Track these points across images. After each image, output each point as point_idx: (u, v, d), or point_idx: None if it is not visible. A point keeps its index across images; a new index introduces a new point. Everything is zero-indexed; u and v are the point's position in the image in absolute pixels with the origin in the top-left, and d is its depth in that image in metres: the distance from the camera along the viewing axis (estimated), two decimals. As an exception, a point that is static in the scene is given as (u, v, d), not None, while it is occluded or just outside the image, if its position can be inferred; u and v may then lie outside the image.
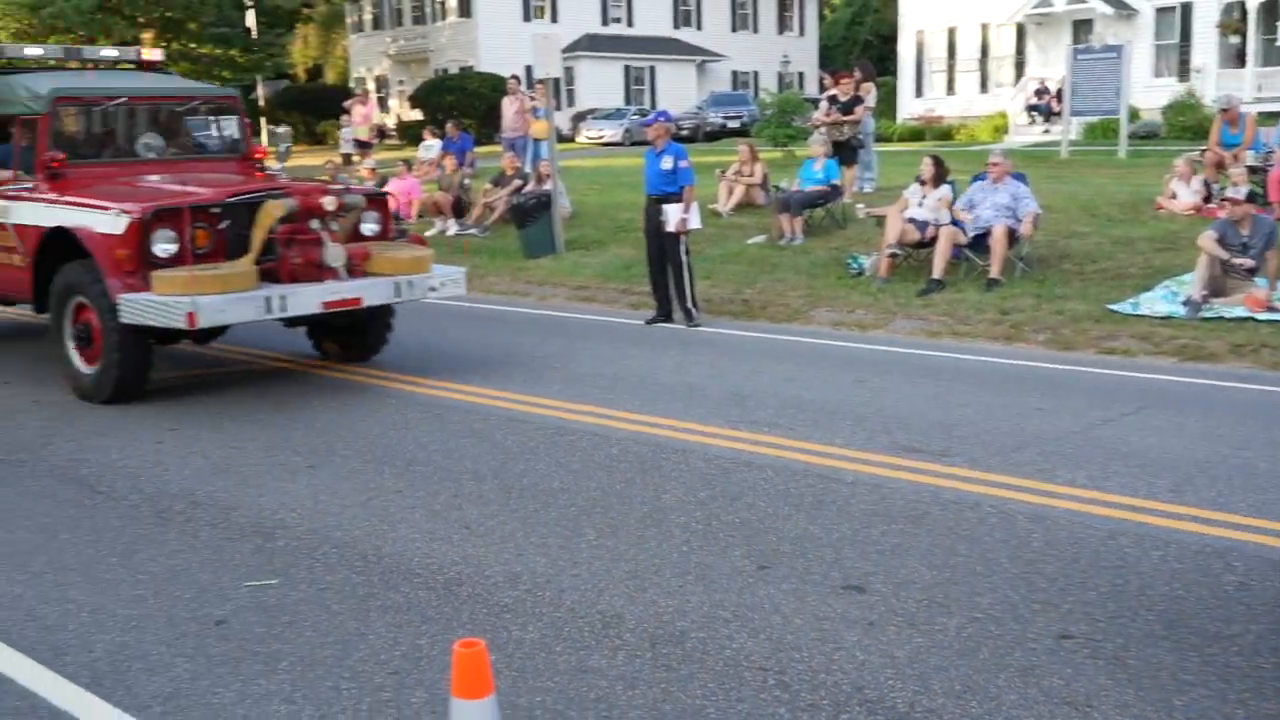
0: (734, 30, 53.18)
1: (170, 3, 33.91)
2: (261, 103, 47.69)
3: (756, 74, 52.01)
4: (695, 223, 11.23)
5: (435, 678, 4.20)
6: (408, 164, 19.87)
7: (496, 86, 33.83)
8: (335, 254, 8.34)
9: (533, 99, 20.11)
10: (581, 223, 17.04)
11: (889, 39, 47.50)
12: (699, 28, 52.04)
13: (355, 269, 8.49)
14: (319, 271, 8.30)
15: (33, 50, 10.54)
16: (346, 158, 24.95)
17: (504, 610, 4.80)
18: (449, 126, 21.46)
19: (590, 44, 47.66)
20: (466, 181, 19.05)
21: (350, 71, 53.87)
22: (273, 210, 8.17)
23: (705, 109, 42.61)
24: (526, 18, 46.34)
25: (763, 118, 27.71)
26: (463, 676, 3.11)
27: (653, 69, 49.61)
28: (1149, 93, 30.53)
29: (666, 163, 10.98)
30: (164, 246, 8.07)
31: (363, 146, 24.48)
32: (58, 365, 8.86)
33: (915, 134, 33.85)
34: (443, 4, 47.91)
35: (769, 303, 12.00)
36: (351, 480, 6.56)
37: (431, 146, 21.39)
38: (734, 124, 39.90)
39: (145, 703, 4.11)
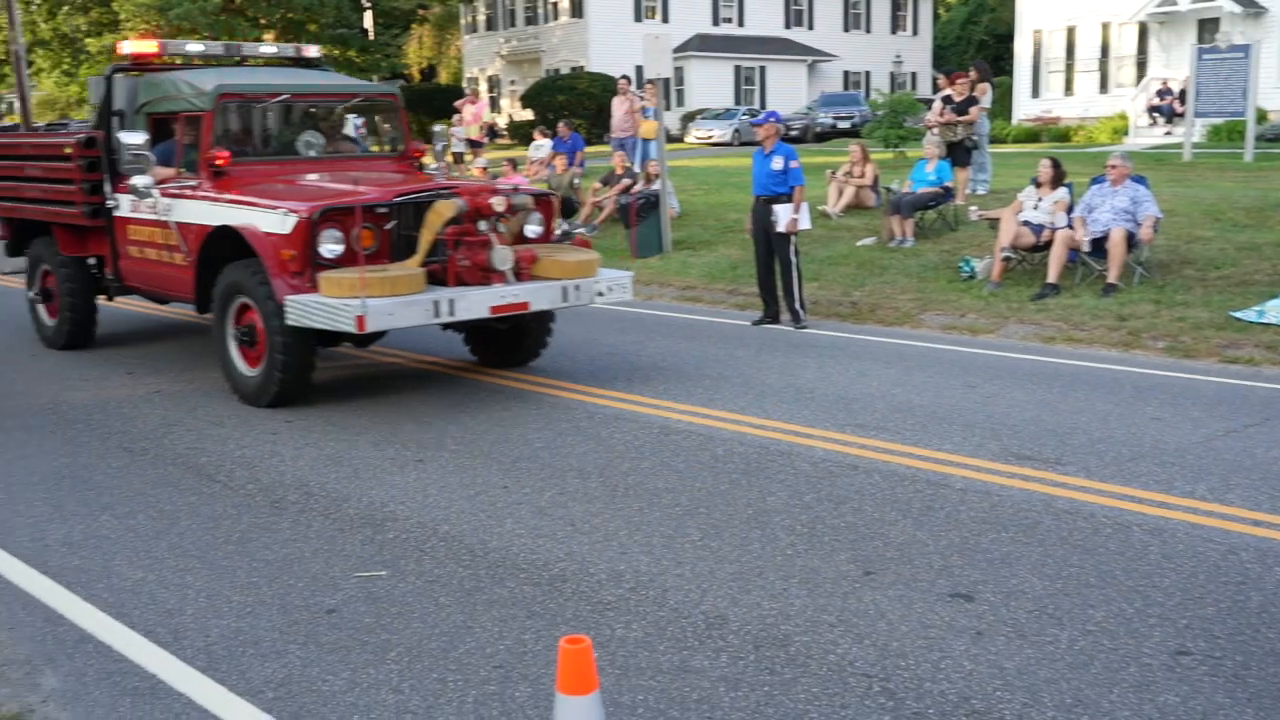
0: (846, 30, 52.72)
1: (291, 4, 34.69)
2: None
3: (868, 74, 51.51)
4: (805, 223, 11.18)
5: (539, 673, 4.24)
6: (513, 163, 20.05)
7: (607, 86, 34.03)
8: (504, 256, 8.01)
9: (642, 99, 20.17)
10: (689, 222, 17.04)
11: (1005, 38, 46.70)
12: (810, 27, 51.70)
13: (522, 272, 8.20)
14: (486, 274, 8.02)
15: (194, 46, 10.51)
16: (458, 156, 25.29)
17: (607, 608, 4.82)
18: (560, 126, 21.60)
19: (701, 44, 47.64)
20: (576, 181, 19.17)
21: (463, 71, 54.58)
22: (442, 211, 7.89)
23: (815, 109, 42.30)
24: (638, 18, 46.49)
25: (874, 118, 27.42)
26: (568, 672, 3.13)
27: (763, 69, 49.42)
28: (1278, 94, 29.52)
29: (777, 163, 10.93)
30: (330, 247, 7.87)
31: (474, 145, 24.78)
32: (215, 365, 9.09)
33: (1031, 135, 33.18)
34: (555, 5, 48.29)
35: (878, 305, 11.87)
36: (459, 475, 6.65)
37: (542, 146, 21.55)
38: (844, 125, 39.57)
39: (258, 687, 4.21)
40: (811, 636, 4.51)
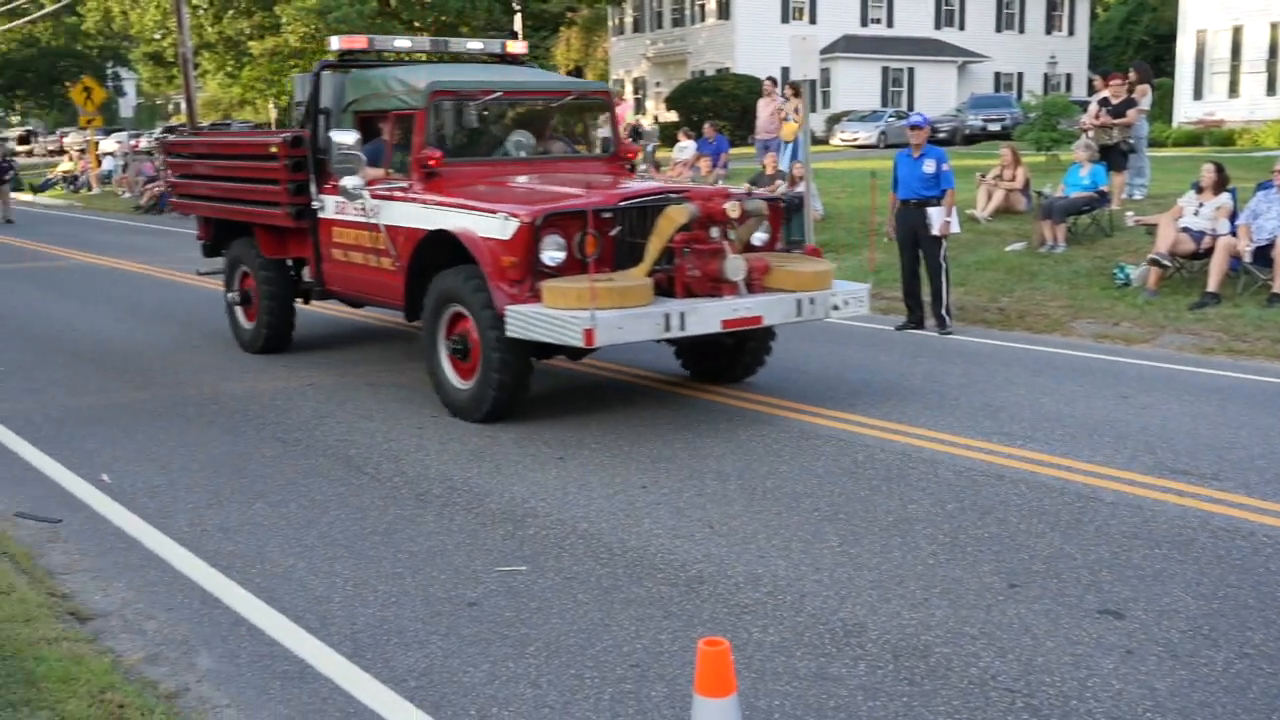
0: (998, 30, 51.62)
1: (444, 7, 35.42)
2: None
3: (1021, 75, 50.34)
4: (956, 226, 11.02)
5: (675, 673, 4.25)
6: (656, 165, 20.13)
7: (752, 88, 33.92)
8: (736, 266, 7.42)
9: (785, 100, 20.06)
10: (832, 225, 16.88)
11: (1165, 39, 45.13)
12: (961, 28, 50.75)
13: (754, 283, 7.61)
14: (716, 285, 7.43)
15: (402, 43, 10.19)
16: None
17: (745, 611, 4.80)
18: (705, 128, 21.62)
19: (848, 45, 47.16)
20: (720, 183, 19.17)
21: (610, 73, 55.02)
22: (675, 216, 7.31)
23: (965, 111, 41.51)
24: (785, 19, 46.25)
25: (1026, 121, 26.77)
26: (706, 674, 3.13)
27: (911, 70, 48.70)
28: None
29: (929, 166, 10.76)
30: (553, 254, 7.41)
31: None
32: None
33: (1193, 139, 32.00)
34: (702, 6, 48.34)
35: (1026, 312, 11.59)
36: (599, 473, 6.70)
37: (686, 148, 21.60)
38: (994, 127, 38.73)
39: (401, 676, 4.31)
40: (953, 648, 4.43)
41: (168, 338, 11.37)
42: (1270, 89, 33.83)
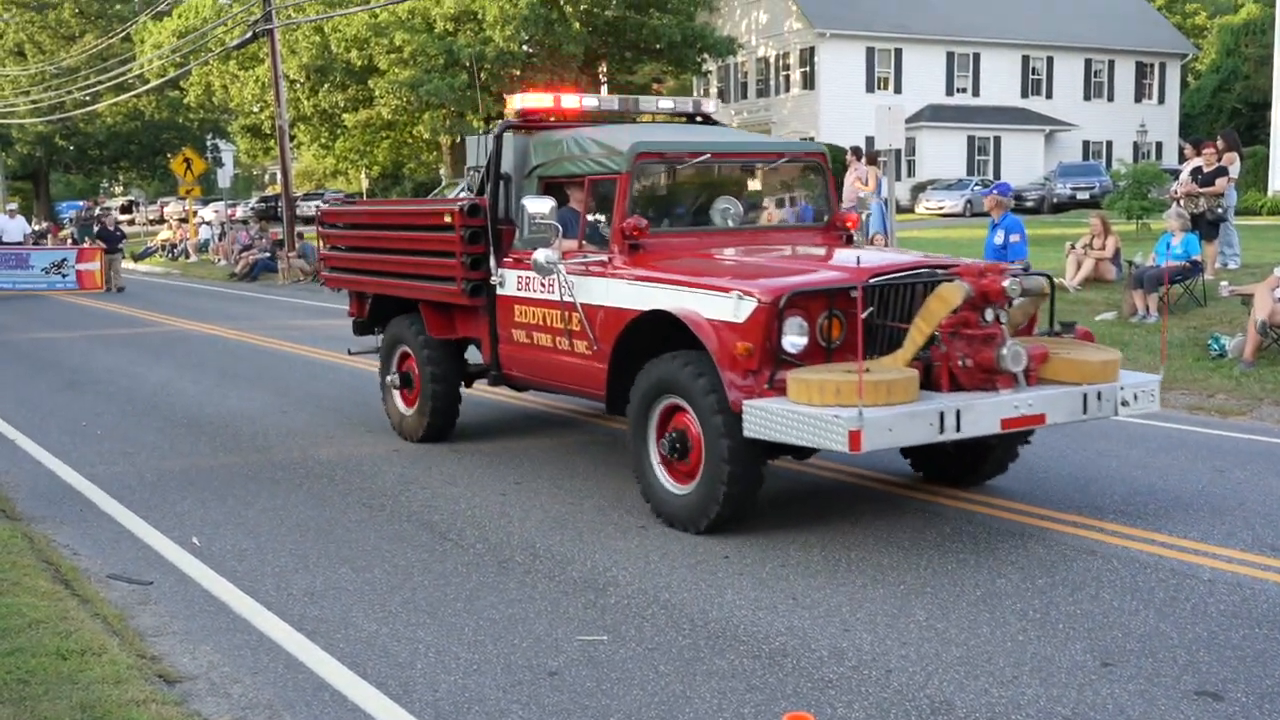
0: (1087, 99, 51.28)
1: (532, 80, 36.12)
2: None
3: (1110, 143, 49.90)
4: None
5: (757, 748, 4.18)
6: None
7: (836, 157, 33.99)
8: (1017, 354, 6.33)
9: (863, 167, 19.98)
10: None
11: (1259, 107, 44.48)
12: (1049, 96, 50.51)
13: (1030, 374, 6.54)
14: (989, 377, 6.36)
15: (590, 101, 9.12)
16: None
17: (829, 685, 4.72)
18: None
19: (933, 114, 47.15)
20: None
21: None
22: (949, 297, 6.26)
23: (1053, 180, 41.18)
24: (870, 89, 46.43)
25: (1115, 189, 26.47)
26: (787, 751, 3.06)
27: (998, 139, 48.50)
28: None
29: (998, 237, 10.69)
30: (795, 340, 6.41)
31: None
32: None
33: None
34: (787, 77, 48.72)
35: (1118, 383, 11.36)
36: (680, 542, 6.66)
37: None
38: (1083, 195, 38.39)
39: (481, 744, 4.29)
40: (1043, 729, 4.30)
41: (258, 402, 11.58)
42: (1368, 157, 33.09)
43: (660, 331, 6.97)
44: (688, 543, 6.65)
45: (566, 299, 7.61)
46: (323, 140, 41.24)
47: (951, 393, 6.33)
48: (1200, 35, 61.53)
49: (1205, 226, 14.93)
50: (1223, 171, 15.22)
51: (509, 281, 8.32)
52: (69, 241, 35.89)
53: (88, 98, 47.92)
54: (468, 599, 5.85)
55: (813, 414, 5.94)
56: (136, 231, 52.26)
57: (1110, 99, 51.71)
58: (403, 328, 9.56)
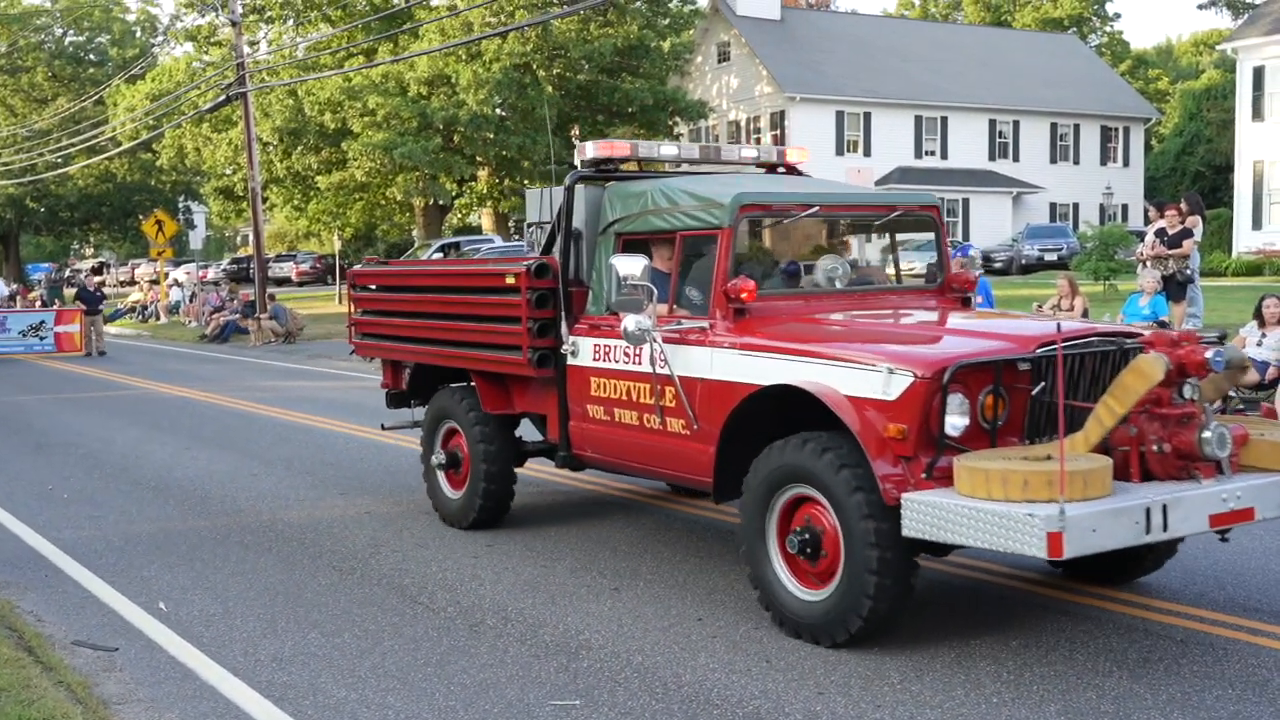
0: (1053, 162, 52.00)
1: (505, 144, 36.30)
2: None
3: (1076, 205, 50.53)
4: None
5: (732, 815, 4.13)
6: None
7: (808, 219, 34.22)
8: (1223, 438, 5.42)
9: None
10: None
11: (1222, 170, 45.24)
12: (1015, 159, 51.18)
13: (1232, 460, 5.56)
14: (1186, 465, 5.42)
15: (668, 149, 8.23)
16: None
17: (803, 750, 4.68)
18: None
19: (902, 176, 47.67)
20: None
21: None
22: (1151, 371, 5.33)
23: (1020, 241, 41.65)
24: (839, 151, 46.92)
25: (1082, 250, 26.80)
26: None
27: (966, 200, 49.03)
28: None
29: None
30: (958, 420, 5.48)
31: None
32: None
33: (1253, 269, 31.83)
34: (758, 139, 49.21)
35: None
36: (654, 605, 6.62)
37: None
38: (1051, 256, 38.79)
39: (452, 813, 4.22)
40: (1019, 793, 4.27)
41: (227, 465, 11.49)
42: (1329, 219, 33.67)
43: (774, 410, 6.19)
44: (660, 605, 6.61)
45: (661, 371, 6.67)
46: (295, 202, 41.24)
47: (1146, 483, 5.38)
48: (1163, 100, 62.62)
49: (1173, 287, 15.11)
50: (1188, 233, 15.44)
51: (583, 350, 7.40)
52: (38, 304, 35.71)
53: (59, 160, 47.92)
54: (438, 664, 5.78)
55: (998, 511, 4.98)
56: (107, 293, 52.04)
57: (1076, 162, 52.44)
58: (450, 401, 8.61)
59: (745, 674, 5.52)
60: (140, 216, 50.25)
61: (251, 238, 31.27)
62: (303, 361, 23.02)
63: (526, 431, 8.65)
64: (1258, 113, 36.25)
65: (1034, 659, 5.63)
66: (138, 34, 63.15)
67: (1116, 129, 53.42)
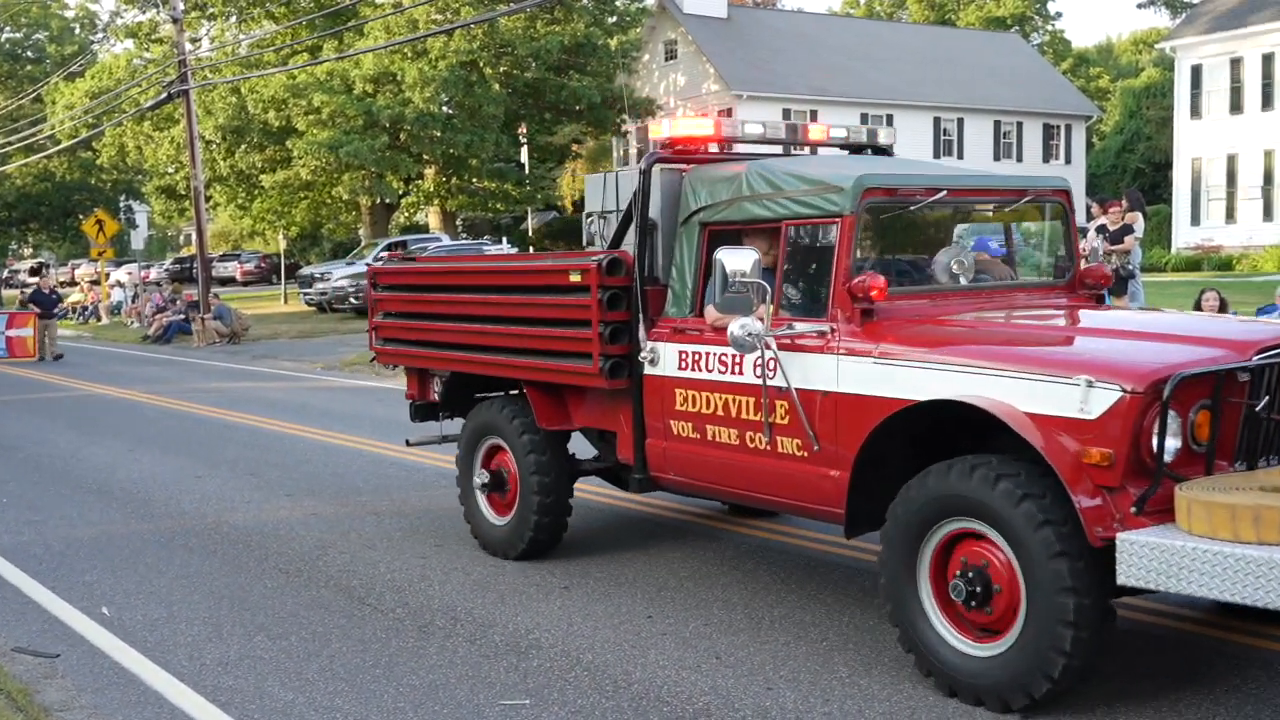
0: (997, 159, 52.52)
1: (452, 142, 36.12)
2: (531, 232, 50.10)
3: (1020, 202, 51.09)
4: None
5: (682, 811, 4.14)
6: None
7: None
8: None
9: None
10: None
11: (1162, 166, 45.93)
12: (960, 156, 51.66)
13: None
14: None
15: (753, 128, 7.26)
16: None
17: (753, 746, 4.70)
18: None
19: (849, 174, 47.95)
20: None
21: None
22: None
23: (966, 237, 42.08)
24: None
25: (1026, 246, 27.11)
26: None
27: (912, 198, 49.42)
28: None
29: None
30: (1172, 443, 4.67)
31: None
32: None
33: (1191, 264, 32.39)
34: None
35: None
36: (604, 603, 6.62)
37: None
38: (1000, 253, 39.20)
39: (401, 815, 4.20)
40: (966, 784, 4.31)
41: (171, 467, 11.35)
42: (1267, 214, 34.34)
43: (917, 428, 5.40)
44: (611, 603, 6.61)
45: (773, 383, 5.79)
46: (239, 201, 40.82)
47: None
48: (1104, 98, 63.42)
49: (1115, 283, 15.31)
50: (1129, 229, 15.66)
51: (666, 358, 6.49)
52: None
53: (-4, 158, 47.12)
54: (387, 665, 5.75)
55: (1260, 559, 4.14)
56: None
57: (1019, 159, 52.99)
58: (494, 415, 7.63)
59: (695, 670, 5.54)
60: (80, 216, 49.54)
61: (194, 237, 30.91)
62: (248, 362, 22.79)
63: (579, 446, 7.83)
64: (1196, 110, 36.87)
65: (980, 651, 5.68)
66: (77, 31, 62.28)
67: (1059, 126, 54.08)
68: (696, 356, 6.32)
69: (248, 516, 9.12)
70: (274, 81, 34.95)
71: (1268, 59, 34.81)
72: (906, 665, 5.50)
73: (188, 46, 31.85)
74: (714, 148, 7.13)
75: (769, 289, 5.67)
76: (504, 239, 43.15)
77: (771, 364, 5.77)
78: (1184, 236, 36.12)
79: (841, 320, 5.63)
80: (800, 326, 5.75)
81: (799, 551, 7.63)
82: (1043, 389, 4.85)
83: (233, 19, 41.64)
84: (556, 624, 6.29)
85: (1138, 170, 52.52)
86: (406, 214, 47.36)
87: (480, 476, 7.71)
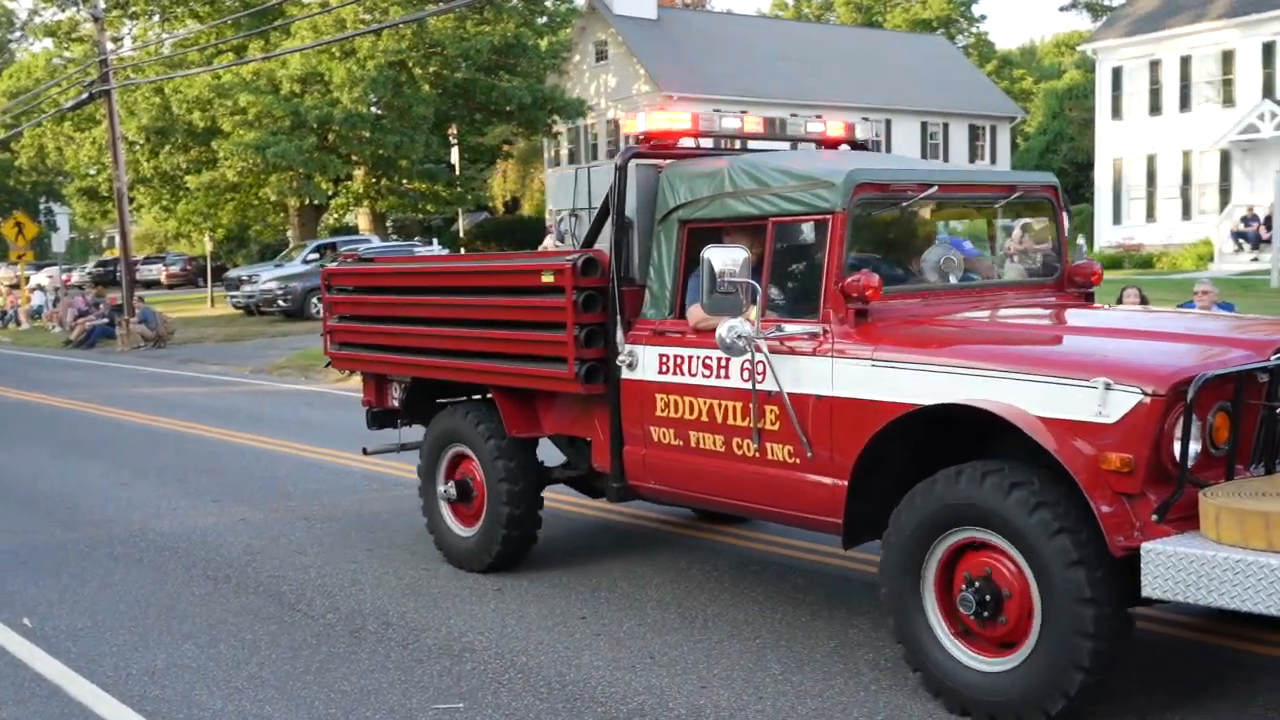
0: (923, 157, 53.21)
1: (382, 142, 35.82)
2: (462, 233, 49.86)
3: (947, 202, 51.76)
4: None
5: (617, 812, 4.14)
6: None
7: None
8: None
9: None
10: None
11: (1084, 167, 46.73)
12: (887, 153, 52.27)
13: None
14: None
15: (730, 122, 6.90)
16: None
17: (687, 744, 4.72)
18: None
19: (779, 175, 48.25)
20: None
21: (546, 204, 55.82)
22: None
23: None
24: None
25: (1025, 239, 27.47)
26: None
27: (841, 199, 49.85)
28: (1367, 218, 29.11)
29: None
30: (1194, 446, 4.49)
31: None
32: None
33: (1113, 262, 32.99)
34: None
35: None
36: (538, 605, 6.61)
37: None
38: (974, 254, 39.71)
39: (333, 822, 4.16)
40: (897, 778, 4.36)
41: (96, 475, 11.14)
42: (1185, 214, 35.12)
43: (918, 434, 5.19)
44: (544, 605, 6.59)
45: (764, 387, 5.55)
46: (164, 203, 40.17)
47: None
48: (1027, 99, 64.43)
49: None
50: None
51: (645, 361, 6.22)
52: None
53: (-90, 159, 45.97)
54: (318, 671, 5.69)
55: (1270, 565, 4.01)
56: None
57: (945, 159, 53.72)
58: (459, 422, 7.34)
59: (630, 670, 5.54)
60: (-1, 218, 48.51)
61: (118, 239, 30.36)
62: (174, 366, 22.44)
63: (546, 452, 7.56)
64: (1117, 112, 37.58)
65: (910, 646, 5.74)
66: (-7, 29, 60.91)
67: (984, 127, 54.90)
68: (679, 360, 6.06)
69: (175, 524, 8.98)
70: (198, 81, 34.45)
71: (1185, 61, 35.58)
72: (838, 661, 5.55)
73: (109, 46, 31.27)
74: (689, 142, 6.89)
75: (758, 289, 5.42)
76: (434, 240, 42.91)
77: (761, 367, 5.53)
78: (1106, 235, 36.80)
79: (835, 321, 5.39)
80: (790, 328, 5.50)
81: (732, 550, 7.66)
82: (1058, 392, 4.63)
83: (155, 18, 40.97)
84: (490, 627, 6.26)
85: (1061, 170, 53.30)
86: (336, 215, 46.91)
87: (444, 486, 7.43)
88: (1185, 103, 35.67)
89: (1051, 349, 5.18)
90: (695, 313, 5.90)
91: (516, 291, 6.83)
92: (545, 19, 41.66)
